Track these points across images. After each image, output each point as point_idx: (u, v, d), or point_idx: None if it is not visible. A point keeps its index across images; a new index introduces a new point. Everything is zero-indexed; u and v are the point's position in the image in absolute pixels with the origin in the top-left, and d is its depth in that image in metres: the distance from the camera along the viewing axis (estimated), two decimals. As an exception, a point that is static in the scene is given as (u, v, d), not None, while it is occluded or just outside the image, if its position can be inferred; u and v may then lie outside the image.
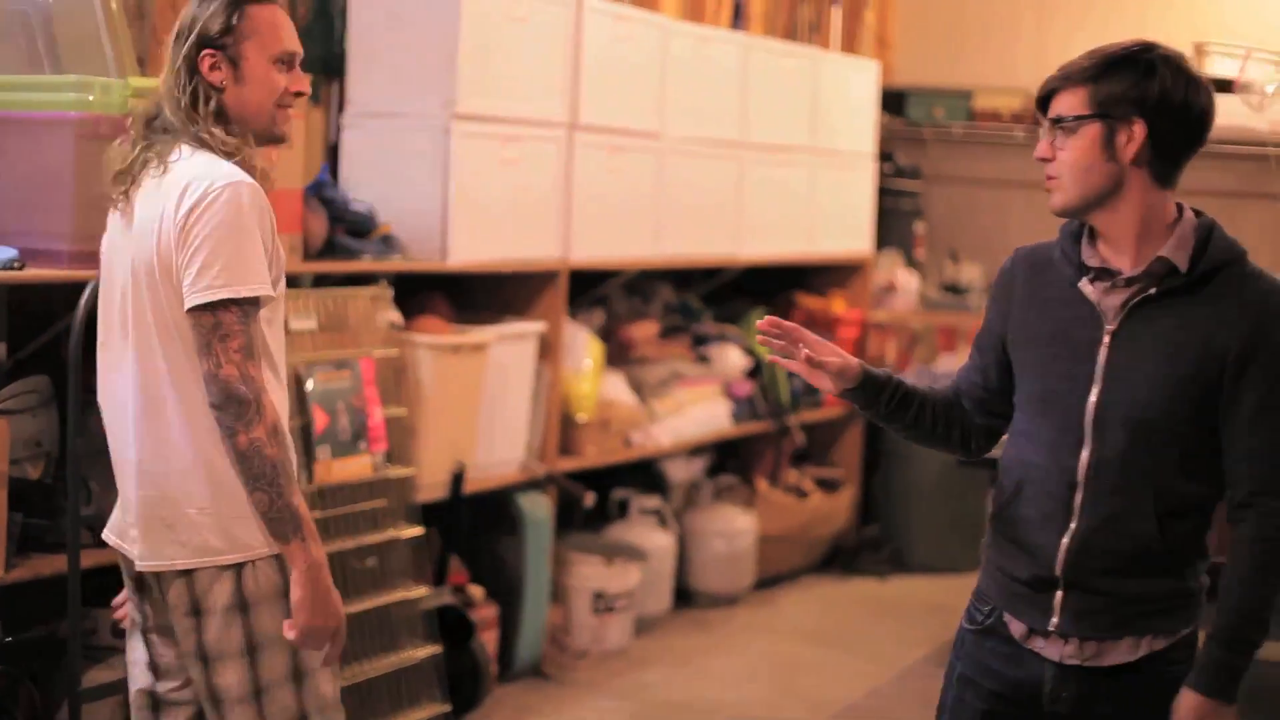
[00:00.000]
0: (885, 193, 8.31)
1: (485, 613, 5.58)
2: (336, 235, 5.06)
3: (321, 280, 4.96)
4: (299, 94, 3.20)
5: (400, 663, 4.86)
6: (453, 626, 5.28)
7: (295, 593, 3.08)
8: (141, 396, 3.14)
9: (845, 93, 7.67)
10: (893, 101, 8.60)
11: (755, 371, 7.23)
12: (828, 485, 7.74)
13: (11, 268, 4.00)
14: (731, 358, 7.13)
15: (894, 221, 8.45)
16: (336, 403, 4.72)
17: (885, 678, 6.13)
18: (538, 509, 5.74)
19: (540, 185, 5.68)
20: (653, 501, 6.69)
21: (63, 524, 4.16)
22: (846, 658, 6.36)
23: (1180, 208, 2.94)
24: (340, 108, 5.50)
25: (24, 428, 4.31)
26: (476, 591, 5.60)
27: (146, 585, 3.28)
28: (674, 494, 7.00)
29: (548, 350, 5.80)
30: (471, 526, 5.61)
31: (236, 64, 3.11)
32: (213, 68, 3.11)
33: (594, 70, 5.84)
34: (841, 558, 7.75)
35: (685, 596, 6.90)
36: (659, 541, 6.60)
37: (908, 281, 8.21)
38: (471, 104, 5.30)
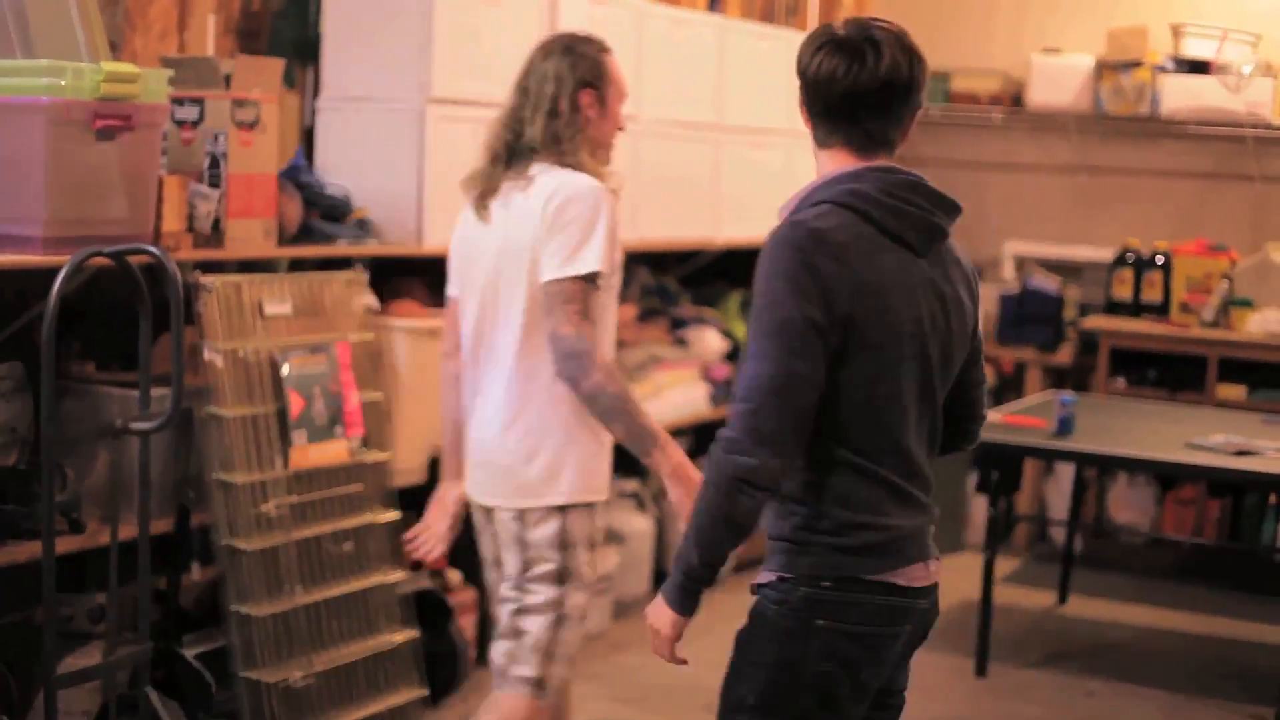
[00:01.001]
0: (863, 175, 8.29)
1: (463, 597, 5.58)
2: (311, 220, 5.05)
3: (297, 265, 4.95)
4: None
5: (378, 647, 4.86)
6: (431, 611, 5.28)
7: (672, 493, 3.76)
8: (519, 364, 3.81)
9: (822, 75, 7.65)
10: (870, 84, 8.59)
11: (734, 354, 7.23)
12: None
13: (-16, 253, 4.00)
14: (710, 340, 7.13)
15: (871, 203, 8.43)
16: (312, 387, 4.71)
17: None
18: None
19: (516, 169, 5.66)
20: (631, 485, 6.69)
21: (37, 510, 4.14)
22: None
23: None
24: (315, 92, 5.49)
25: (-3, 414, 4.31)
26: (454, 576, 5.60)
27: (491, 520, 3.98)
28: (653, 477, 6.98)
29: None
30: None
31: (604, 103, 3.88)
32: (589, 105, 3.86)
33: (570, 53, 5.82)
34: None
35: (662, 579, 6.88)
36: (638, 525, 6.60)
37: (886, 264, 8.20)
38: (446, 87, 5.29)
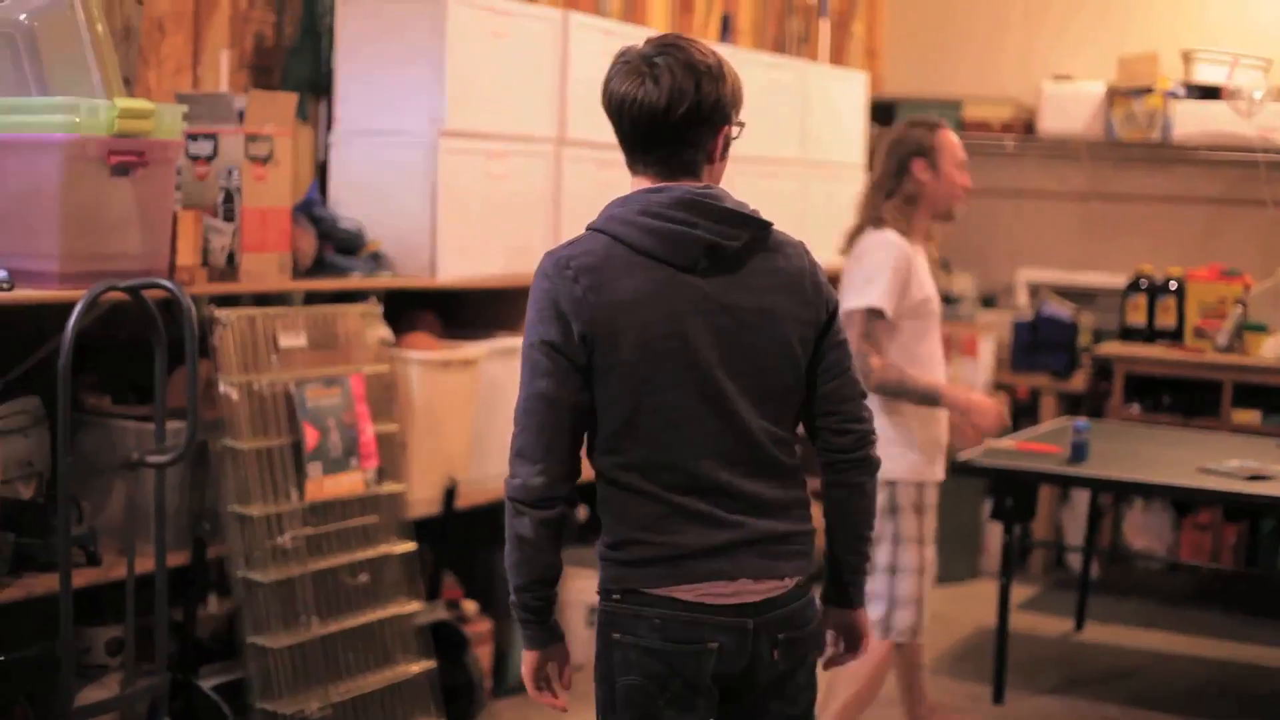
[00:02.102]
0: (876, 203, 8.31)
1: (480, 628, 5.60)
2: (325, 253, 5.09)
3: (313, 298, 4.98)
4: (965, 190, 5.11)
5: (394, 678, 4.87)
6: (446, 642, 5.29)
7: (962, 419, 5.01)
8: None
9: (834, 104, 7.70)
10: (882, 112, 8.62)
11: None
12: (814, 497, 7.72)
13: (0, 289, 4.03)
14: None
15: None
16: (327, 419, 4.73)
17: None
18: (531, 523, 5.74)
19: (529, 200, 5.70)
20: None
21: (55, 543, 4.17)
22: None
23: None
24: (329, 126, 5.52)
25: (15, 448, 4.34)
26: (470, 607, 5.61)
27: None
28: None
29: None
30: (465, 542, 5.62)
31: (936, 167, 5.03)
32: (922, 170, 5.02)
33: (581, 85, 5.85)
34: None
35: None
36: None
37: (899, 292, 8.21)
38: (458, 120, 5.32)
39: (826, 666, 3.21)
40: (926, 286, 4.96)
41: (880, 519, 4.63)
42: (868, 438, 3.06)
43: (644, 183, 2.99)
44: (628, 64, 2.95)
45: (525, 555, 2.95)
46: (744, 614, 2.94)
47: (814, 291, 3.02)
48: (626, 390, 2.89)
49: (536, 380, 2.88)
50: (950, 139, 5.06)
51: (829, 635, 3.19)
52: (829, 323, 3.04)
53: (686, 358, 2.90)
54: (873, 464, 3.07)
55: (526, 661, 3.03)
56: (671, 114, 2.92)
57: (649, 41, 2.97)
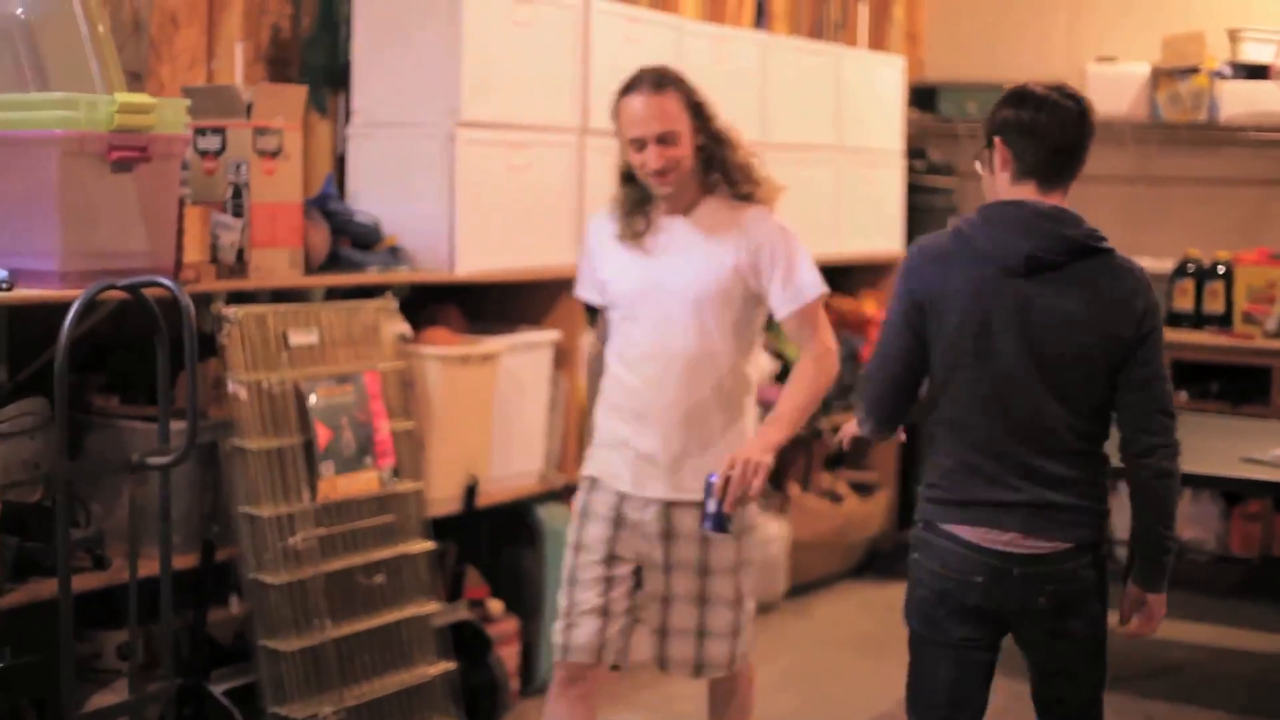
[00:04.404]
0: (918, 190, 8.19)
1: (505, 627, 5.51)
2: (341, 248, 5.00)
3: (332, 294, 4.90)
4: (657, 171, 4.09)
5: (413, 680, 4.79)
6: (470, 642, 5.21)
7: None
8: None
9: (871, 89, 7.57)
10: (924, 97, 8.48)
11: (783, 375, 7.12)
12: (863, 489, 7.63)
13: (0, 289, 3.96)
14: (760, 361, 7.00)
15: (928, 219, 8.30)
16: (340, 418, 4.65)
17: (918, 685, 6.01)
18: (557, 520, 5.65)
19: (552, 191, 5.60)
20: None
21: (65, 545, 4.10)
22: (879, 665, 6.24)
23: None
24: (347, 119, 5.44)
25: (21, 450, 4.26)
26: (495, 606, 5.52)
27: None
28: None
29: (564, 359, 5.72)
30: (489, 540, 5.53)
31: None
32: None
33: (604, 73, 5.73)
34: (878, 562, 7.63)
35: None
36: (771, 529, 6.51)
37: (941, 280, 8.08)
38: (476, 111, 5.22)
39: (1127, 634, 3.76)
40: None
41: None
42: (1160, 449, 3.54)
43: (1016, 190, 3.54)
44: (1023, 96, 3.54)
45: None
46: (1009, 561, 3.52)
47: (1131, 313, 3.48)
48: (945, 361, 3.51)
49: (884, 341, 3.61)
50: (624, 106, 4.16)
51: (1126, 608, 3.73)
52: (1140, 343, 3.49)
53: (994, 343, 3.47)
54: (1164, 471, 3.55)
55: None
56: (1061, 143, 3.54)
57: (1043, 85, 3.55)
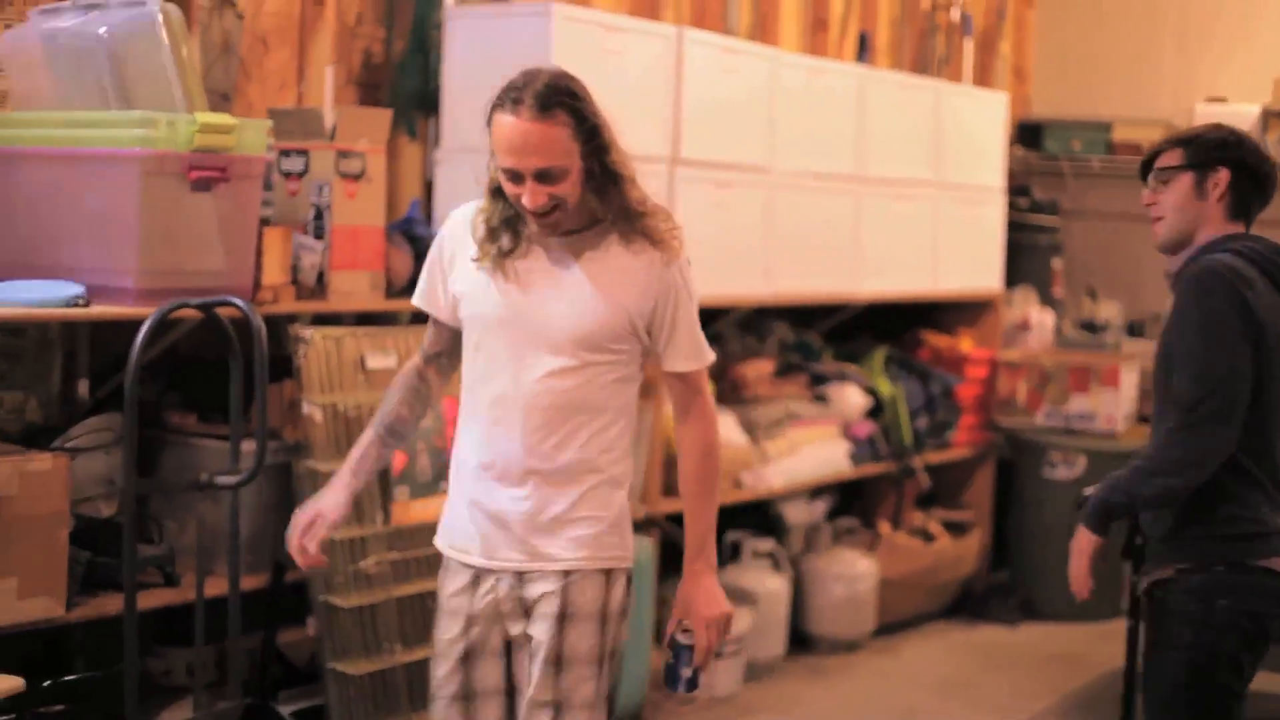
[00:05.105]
0: (1021, 228, 8.10)
1: (580, 656, 5.46)
2: (424, 272, 4.99)
3: (415, 319, 4.89)
4: (534, 211, 3.20)
5: (483, 708, 4.76)
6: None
7: None
8: None
9: (972, 125, 7.48)
10: (1029, 134, 8.40)
11: (877, 411, 7.05)
12: (956, 528, 7.53)
13: (76, 304, 3.98)
14: (851, 397, 6.95)
15: (1031, 257, 8.22)
16: (416, 442, 4.64)
17: (1003, 730, 5.93)
18: (639, 551, 5.59)
19: (640, 220, 5.56)
20: (766, 544, 6.53)
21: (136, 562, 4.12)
22: (966, 709, 6.15)
23: None
24: (437, 143, 5.45)
25: (96, 466, 4.30)
26: (573, 634, 5.48)
27: None
28: (792, 537, 6.83)
29: (649, 389, 5.68)
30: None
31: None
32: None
33: (696, 103, 5.73)
34: (970, 603, 7.52)
35: (803, 641, 6.73)
36: (772, 585, 6.44)
37: (1042, 319, 7.98)
38: (564, 138, 5.20)
39: None
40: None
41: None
42: None
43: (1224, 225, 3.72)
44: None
45: None
46: None
47: None
48: (1271, 388, 3.58)
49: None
50: (496, 126, 3.28)
51: None
52: None
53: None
54: None
55: None
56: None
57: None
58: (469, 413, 3.37)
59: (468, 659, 3.35)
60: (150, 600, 4.19)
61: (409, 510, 4.61)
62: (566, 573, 3.30)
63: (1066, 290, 8.41)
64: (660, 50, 5.61)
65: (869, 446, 6.96)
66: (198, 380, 4.66)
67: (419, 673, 4.62)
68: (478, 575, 3.36)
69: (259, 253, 4.37)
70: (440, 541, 3.48)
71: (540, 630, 3.29)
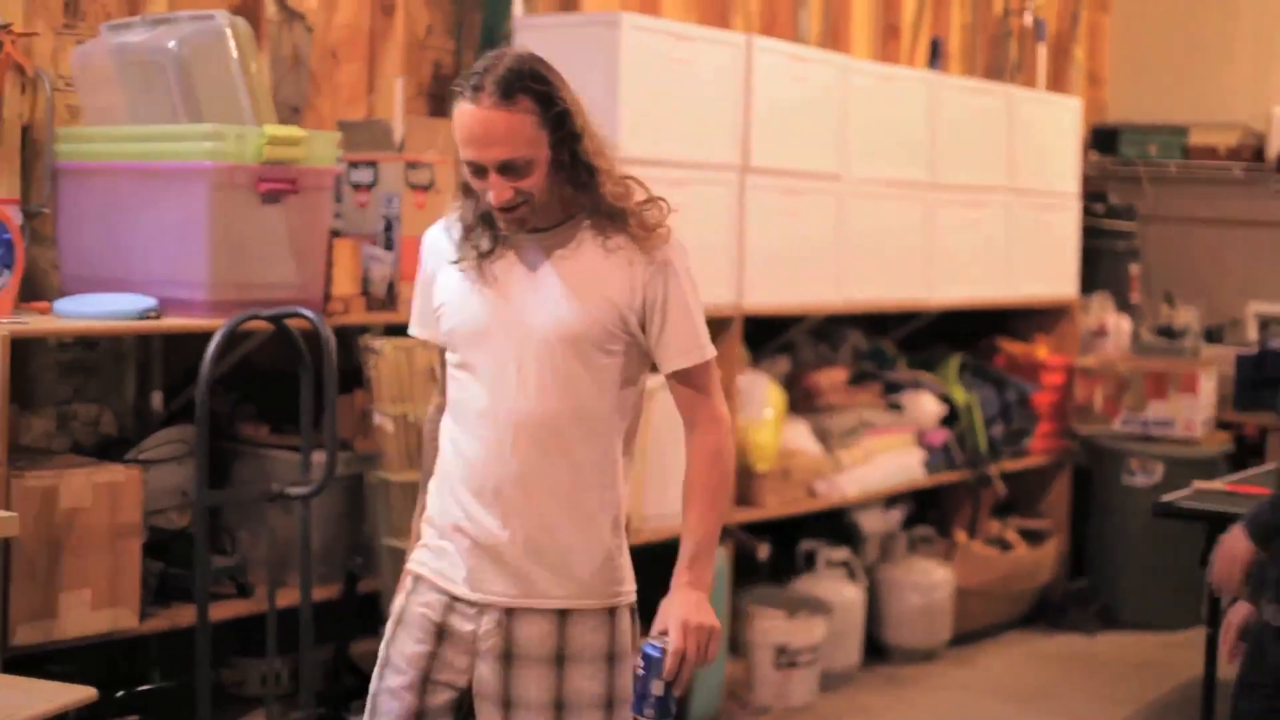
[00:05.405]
0: (1098, 233, 8.03)
1: (654, 667, 5.45)
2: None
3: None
4: (499, 207, 2.91)
5: None
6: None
7: None
8: None
9: (1045, 131, 7.43)
10: (1105, 139, 8.33)
11: (952, 419, 7.00)
12: (1033, 536, 7.47)
13: (148, 317, 4.01)
14: (925, 405, 6.91)
15: (1107, 263, 8.15)
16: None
17: (1082, 739, 5.87)
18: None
19: (711, 229, 5.55)
20: (841, 553, 6.50)
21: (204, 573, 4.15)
22: (1045, 719, 6.10)
23: None
24: (506, 154, 5.45)
25: (169, 477, 4.33)
26: (647, 645, 5.46)
27: None
28: (867, 546, 6.79)
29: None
30: (640, 579, 5.47)
31: None
32: None
33: (766, 111, 5.71)
34: (1047, 612, 7.46)
35: (879, 651, 6.69)
36: (847, 594, 6.41)
37: (1119, 325, 7.91)
38: (634, 147, 5.18)
39: None
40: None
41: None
42: None
43: None
44: None
45: None
46: None
47: None
48: None
49: None
50: (457, 115, 2.91)
51: None
52: None
53: None
54: None
55: None
56: None
57: None
58: (456, 433, 3.04)
59: (425, 689, 3.02)
60: (223, 611, 4.21)
61: (480, 520, 4.60)
62: (563, 612, 3.00)
63: (1144, 296, 8.33)
64: (729, 58, 5.60)
65: (944, 454, 6.91)
66: (270, 392, 4.69)
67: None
68: (451, 605, 3.01)
69: (329, 264, 4.39)
70: (415, 565, 3.10)
71: (530, 675, 2.98)
